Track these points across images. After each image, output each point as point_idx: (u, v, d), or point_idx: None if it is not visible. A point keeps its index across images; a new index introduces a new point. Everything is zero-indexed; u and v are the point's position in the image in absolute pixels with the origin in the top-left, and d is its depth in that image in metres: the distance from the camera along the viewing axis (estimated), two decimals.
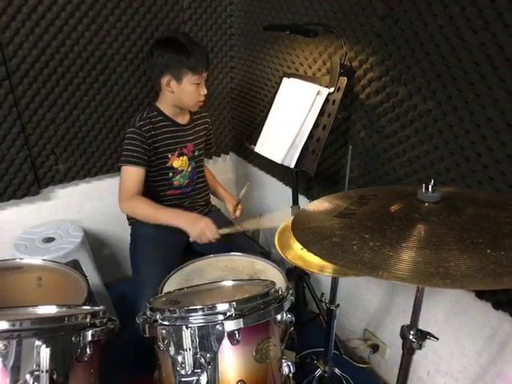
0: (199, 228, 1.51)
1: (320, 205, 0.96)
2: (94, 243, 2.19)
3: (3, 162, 1.82)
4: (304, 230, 0.83)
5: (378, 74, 1.49)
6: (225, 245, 1.70)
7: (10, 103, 1.75)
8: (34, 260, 1.43)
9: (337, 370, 1.55)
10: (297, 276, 1.96)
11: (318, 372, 1.52)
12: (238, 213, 1.82)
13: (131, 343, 1.52)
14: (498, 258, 0.65)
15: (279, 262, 1.54)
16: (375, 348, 1.90)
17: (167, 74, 1.60)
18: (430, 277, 0.62)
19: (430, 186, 0.82)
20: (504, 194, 1.14)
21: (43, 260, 1.44)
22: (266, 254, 2.24)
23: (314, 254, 0.75)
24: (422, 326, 1.05)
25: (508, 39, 1.10)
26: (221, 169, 2.51)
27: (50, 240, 1.93)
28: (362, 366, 1.93)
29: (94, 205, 2.21)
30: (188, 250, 1.84)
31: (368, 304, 1.91)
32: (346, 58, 1.58)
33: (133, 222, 1.86)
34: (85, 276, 1.38)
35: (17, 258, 1.45)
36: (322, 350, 1.56)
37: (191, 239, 1.54)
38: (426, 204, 0.82)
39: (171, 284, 1.36)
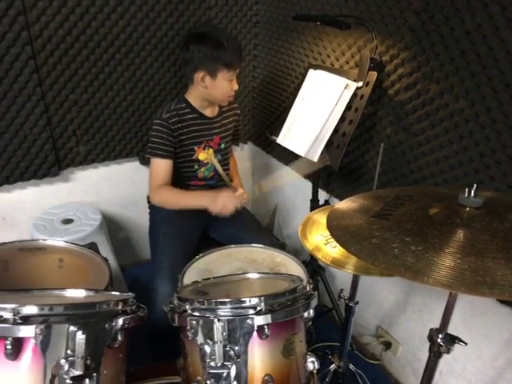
0: (220, 202, 1.53)
1: (352, 203, 0.95)
2: (110, 226, 2.20)
3: (25, 141, 1.82)
4: (340, 228, 0.83)
5: (410, 69, 1.46)
6: (239, 233, 1.73)
7: (35, 83, 1.74)
8: (57, 242, 1.44)
9: (351, 366, 1.56)
10: (312, 269, 1.96)
11: (333, 367, 1.53)
12: (236, 195, 1.66)
13: (147, 328, 1.53)
14: None
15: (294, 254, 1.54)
16: (387, 345, 1.90)
17: (202, 70, 1.60)
18: (478, 285, 0.61)
19: (473, 191, 0.81)
20: None
21: (65, 242, 1.44)
22: (282, 245, 2.24)
23: (353, 254, 0.74)
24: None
25: None
26: (238, 158, 2.47)
27: (68, 221, 1.94)
28: (373, 362, 1.93)
29: (112, 188, 2.22)
30: (204, 238, 1.85)
31: (382, 301, 1.91)
32: (377, 51, 1.56)
33: (152, 205, 1.86)
34: (106, 260, 1.39)
35: (40, 238, 1.46)
36: (334, 344, 1.57)
37: (213, 214, 1.56)
38: (468, 209, 0.81)
39: (192, 272, 1.36)
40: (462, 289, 0.62)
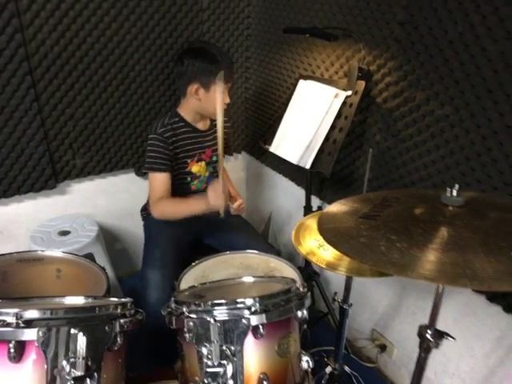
0: (211, 199, 1.52)
1: (342, 206, 0.99)
2: (107, 237, 2.23)
3: (22, 155, 1.85)
4: (330, 229, 0.86)
5: (396, 78, 1.52)
6: (234, 239, 1.76)
7: (32, 98, 1.78)
8: (54, 252, 1.46)
9: (347, 368, 1.58)
10: (307, 275, 1.99)
11: (328, 369, 1.55)
12: (235, 205, 1.75)
13: (144, 336, 1.55)
14: None
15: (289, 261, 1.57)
16: (383, 348, 1.92)
17: (196, 82, 1.65)
18: (458, 278, 0.65)
19: (455, 191, 0.85)
20: None
21: (63, 252, 1.46)
22: (276, 252, 2.27)
23: (342, 253, 0.78)
24: None
25: None
26: (232, 168, 2.54)
27: (65, 233, 1.97)
28: (369, 365, 1.96)
29: (108, 200, 2.24)
30: (198, 245, 1.88)
31: (376, 304, 1.94)
32: (364, 61, 1.61)
33: (145, 216, 1.90)
34: (103, 269, 1.41)
35: (38, 249, 1.48)
36: (330, 348, 1.59)
37: (221, 215, 1.54)
38: (451, 208, 0.85)
39: (188, 279, 1.38)
40: (444, 281, 0.66)
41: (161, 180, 1.68)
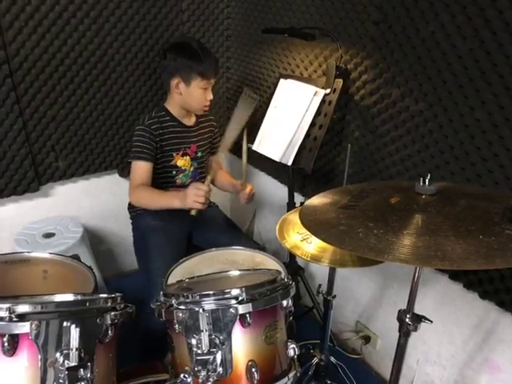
0: (189, 196, 1.52)
1: (323, 198, 1.03)
2: (92, 239, 2.23)
3: (4, 158, 1.85)
4: (312, 220, 0.91)
5: (372, 76, 1.57)
6: (219, 238, 1.78)
7: (12, 101, 1.78)
8: (41, 253, 1.46)
9: (332, 359, 1.62)
10: (292, 270, 2.03)
11: (315, 360, 1.59)
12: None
13: (135, 335, 1.56)
14: (489, 243, 0.73)
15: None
16: (367, 339, 1.98)
17: (177, 77, 1.69)
18: (430, 259, 0.70)
19: (427, 180, 0.91)
20: (491, 188, 1.23)
21: (50, 253, 1.47)
22: (261, 249, 2.30)
23: (323, 240, 0.82)
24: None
25: (495, 45, 1.18)
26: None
27: (50, 235, 1.97)
28: (354, 356, 2.00)
29: (93, 201, 2.25)
30: (188, 245, 1.90)
31: (360, 297, 1.99)
32: (342, 60, 1.66)
33: (134, 215, 1.90)
34: (90, 268, 1.42)
35: (24, 251, 1.48)
36: (317, 341, 1.63)
37: (192, 212, 1.55)
38: (423, 196, 0.91)
39: (175, 276, 1.40)
40: (418, 262, 0.70)
41: (142, 168, 1.70)
